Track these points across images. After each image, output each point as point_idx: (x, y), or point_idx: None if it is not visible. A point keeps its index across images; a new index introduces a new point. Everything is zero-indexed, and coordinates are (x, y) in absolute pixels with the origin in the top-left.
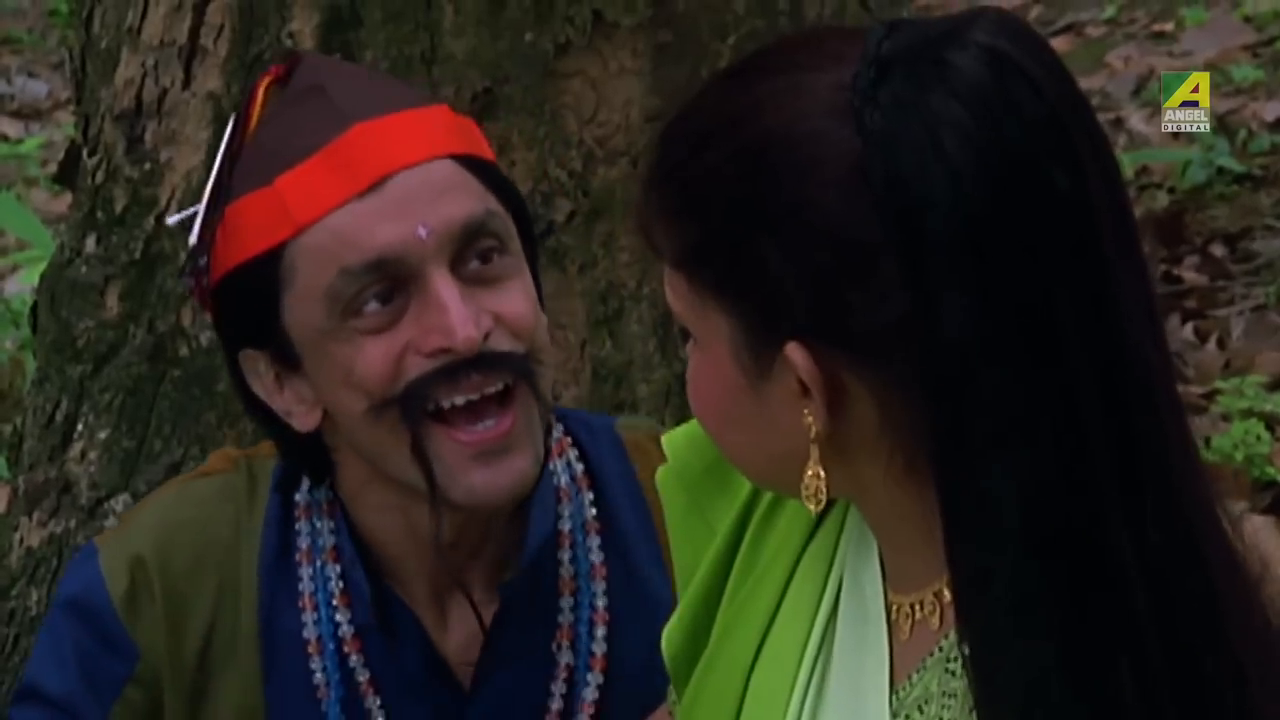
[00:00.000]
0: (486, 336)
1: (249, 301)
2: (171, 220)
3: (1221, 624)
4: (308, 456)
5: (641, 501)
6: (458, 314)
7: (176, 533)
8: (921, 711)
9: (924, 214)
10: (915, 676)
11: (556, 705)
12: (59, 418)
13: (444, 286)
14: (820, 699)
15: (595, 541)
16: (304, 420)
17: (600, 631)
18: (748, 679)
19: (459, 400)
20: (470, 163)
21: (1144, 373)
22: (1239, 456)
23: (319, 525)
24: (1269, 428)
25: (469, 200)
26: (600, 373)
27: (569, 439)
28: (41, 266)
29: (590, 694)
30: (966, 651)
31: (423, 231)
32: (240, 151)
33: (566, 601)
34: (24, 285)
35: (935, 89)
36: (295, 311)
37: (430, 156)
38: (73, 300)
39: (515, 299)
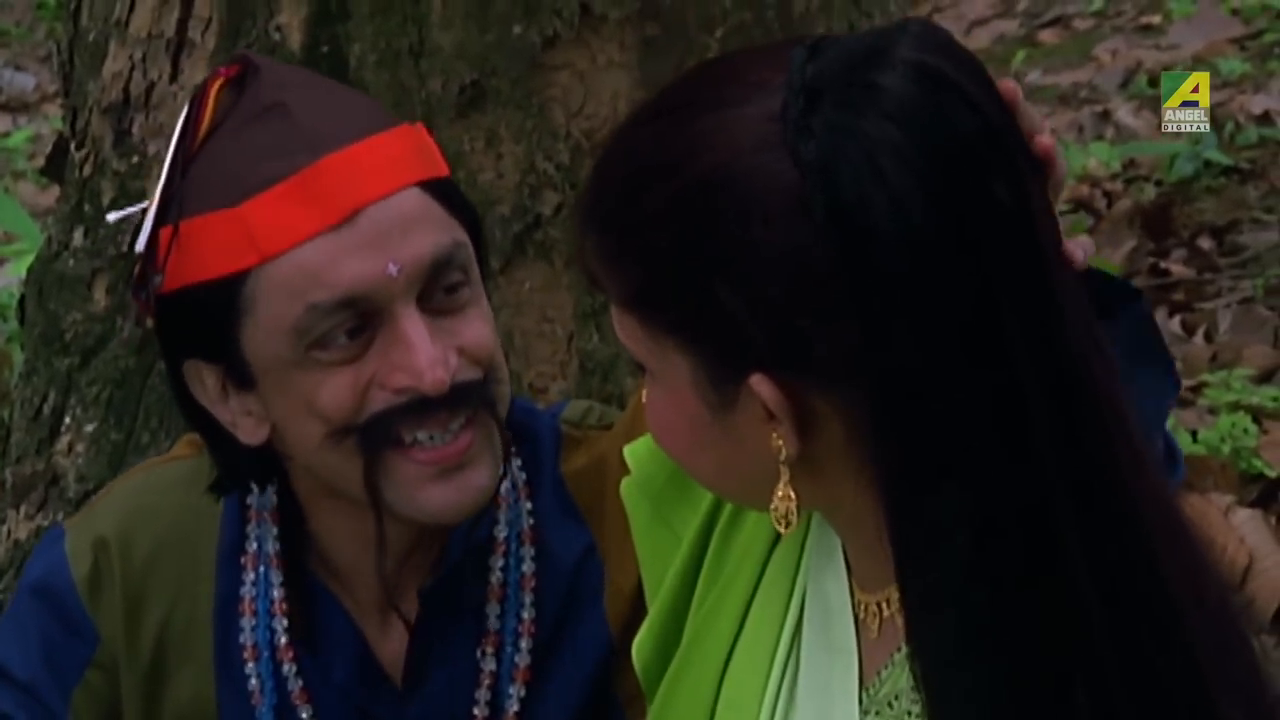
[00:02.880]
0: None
1: (202, 319)
2: (111, 217)
3: (1183, 641)
4: (252, 463)
5: (566, 497)
6: (427, 356)
7: (140, 518)
8: (891, 707)
9: (868, 241)
10: (884, 673)
11: (482, 713)
12: (46, 410)
13: (413, 326)
14: (791, 703)
15: (530, 551)
16: (251, 433)
17: (525, 643)
18: (719, 686)
19: (421, 435)
20: (434, 187)
21: (1090, 386)
22: (1226, 449)
23: (264, 530)
24: (1256, 421)
25: (436, 232)
26: (587, 366)
27: (514, 444)
28: (29, 259)
29: (512, 705)
30: (918, 671)
31: (393, 269)
32: (192, 158)
33: (493, 609)
34: (11, 278)
35: (868, 113)
36: (256, 339)
37: (399, 187)
38: (60, 293)
39: (476, 325)
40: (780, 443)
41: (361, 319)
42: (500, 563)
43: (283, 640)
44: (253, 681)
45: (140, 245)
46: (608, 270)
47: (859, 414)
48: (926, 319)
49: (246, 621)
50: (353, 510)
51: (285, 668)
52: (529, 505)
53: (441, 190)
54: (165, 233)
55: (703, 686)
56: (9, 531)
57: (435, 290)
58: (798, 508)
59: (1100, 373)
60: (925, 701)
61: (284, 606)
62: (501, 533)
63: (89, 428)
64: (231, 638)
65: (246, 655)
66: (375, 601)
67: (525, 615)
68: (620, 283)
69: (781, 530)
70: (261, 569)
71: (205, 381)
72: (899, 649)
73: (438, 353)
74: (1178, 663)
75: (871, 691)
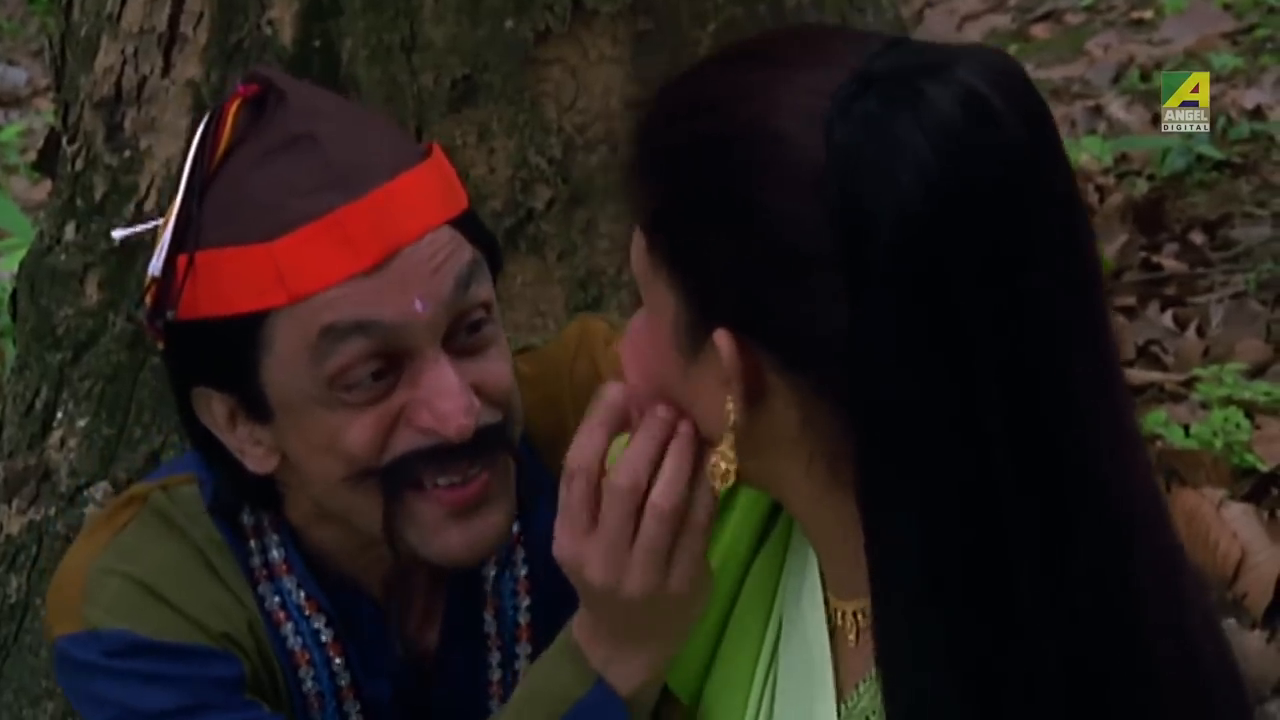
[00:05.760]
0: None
1: (219, 351)
2: (117, 235)
3: (1146, 672)
4: (254, 490)
5: (525, 439)
6: (455, 403)
7: (158, 582)
8: None
9: (869, 236)
10: (863, 686)
11: (496, 676)
12: (39, 405)
13: (443, 370)
14: (772, 716)
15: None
16: (259, 463)
17: (524, 602)
18: (699, 697)
19: (442, 481)
20: (460, 223)
21: (1095, 455)
22: (1218, 444)
23: (267, 542)
24: (1248, 415)
25: (458, 264)
26: None
27: None
28: (21, 254)
29: (522, 665)
30: (880, 674)
31: (420, 306)
32: (210, 180)
33: (490, 570)
34: (3, 273)
35: (904, 117)
36: (277, 373)
37: (428, 229)
38: (52, 288)
39: (496, 365)
40: (730, 408)
41: (387, 361)
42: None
43: (329, 636)
44: (308, 685)
45: (154, 269)
46: (635, 185)
47: (816, 404)
48: (908, 326)
49: (288, 628)
50: (356, 534)
51: (336, 662)
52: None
53: (466, 223)
54: (182, 260)
55: (684, 700)
56: (1, 526)
57: (459, 329)
58: (736, 472)
59: (1108, 448)
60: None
61: (313, 605)
62: None
63: (81, 422)
64: (284, 649)
65: (299, 660)
66: (383, 594)
67: (520, 573)
68: (640, 200)
69: (716, 486)
70: (278, 580)
71: (214, 409)
72: None
73: (465, 400)
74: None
75: (850, 704)
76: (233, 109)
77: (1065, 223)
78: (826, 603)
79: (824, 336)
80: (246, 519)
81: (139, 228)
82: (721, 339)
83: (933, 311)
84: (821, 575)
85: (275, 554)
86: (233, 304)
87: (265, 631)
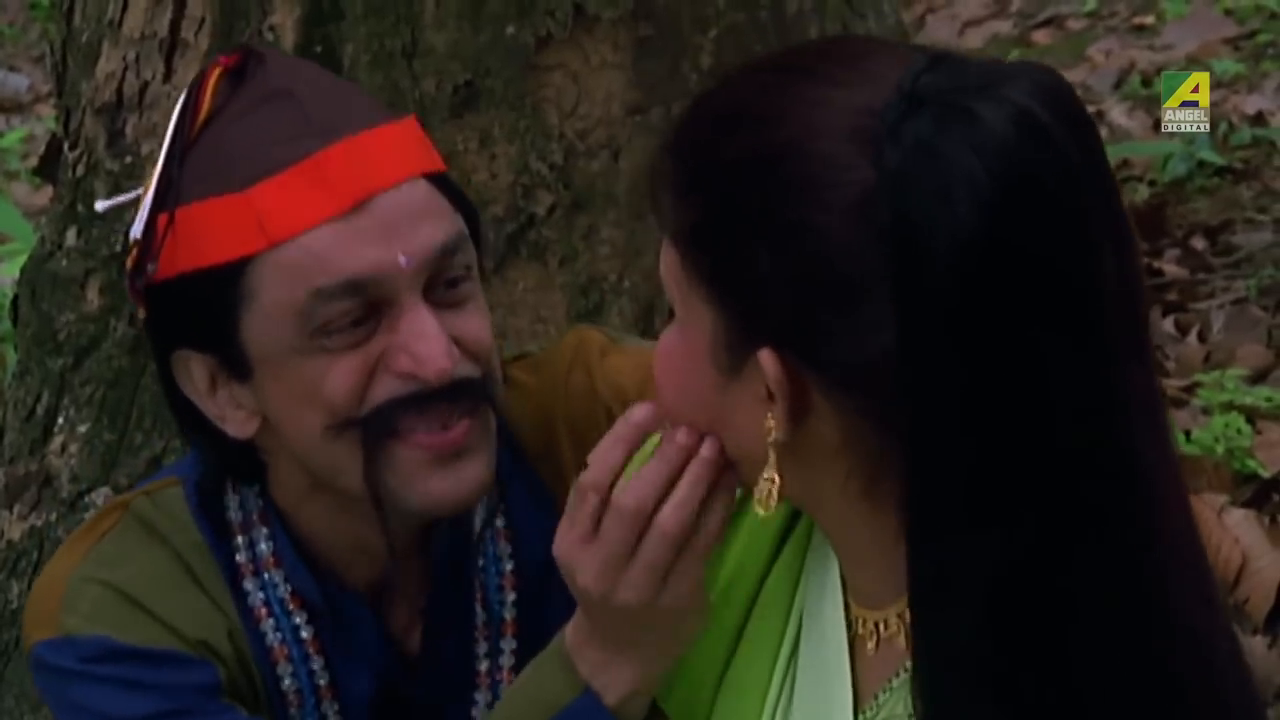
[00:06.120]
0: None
1: (200, 307)
2: (100, 206)
3: None
4: (236, 461)
5: (511, 443)
6: (435, 344)
7: (137, 590)
8: None
9: (923, 259)
10: (882, 697)
11: (484, 667)
12: (40, 411)
13: (421, 315)
14: None
15: (499, 505)
16: (240, 427)
17: (510, 596)
18: (712, 707)
19: (422, 428)
20: (438, 180)
21: (1146, 477)
22: (1220, 449)
23: (255, 535)
24: (1250, 421)
25: (443, 224)
26: None
27: None
28: (22, 260)
29: (507, 660)
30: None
31: (403, 260)
32: (192, 144)
33: (477, 562)
34: (5, 278)
35: (958, 139)
36: (257, 327)
37: (407, 177)
38: (54, 293)
39: (475, 320)
40: (772, 424)
41: (367, 308)
42: (480, 517)
43: (309, 633)
44: (286, 682)
45: (135, 232)
46: (671, 199)
47: (859, 425)
48: (966, 352)
49: (268, 624)
50: (342, 508)
51: (315, 661)
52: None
53: (444, 183)
54: (162, 219)
55: (696, 707)
56: (2, 531)
57: (438, 283)
58: (779, 492)
59: (1159, 464)
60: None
61: (297, 602)
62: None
63: (82, 428)
64: (263, 646)
65: (277, 656)
66: (371, 585)
67: (506, 568)
68: (678, 215)
69: (760, 511)
70: (264, 575)
71: (194, 373)
72: (897, 674)
73: (444, 343)
74: None
75: (868, 714)
76: (214, 77)
77: (1115, 235)
78: (847, 609)
79: (872, 358)
80: (234, 514)
81: (122, 197)
82: (766, 359)
83: (991, 332)
84: (842, 582)
85: (264, 547)
86: (212, 254)
87: (244, 635)
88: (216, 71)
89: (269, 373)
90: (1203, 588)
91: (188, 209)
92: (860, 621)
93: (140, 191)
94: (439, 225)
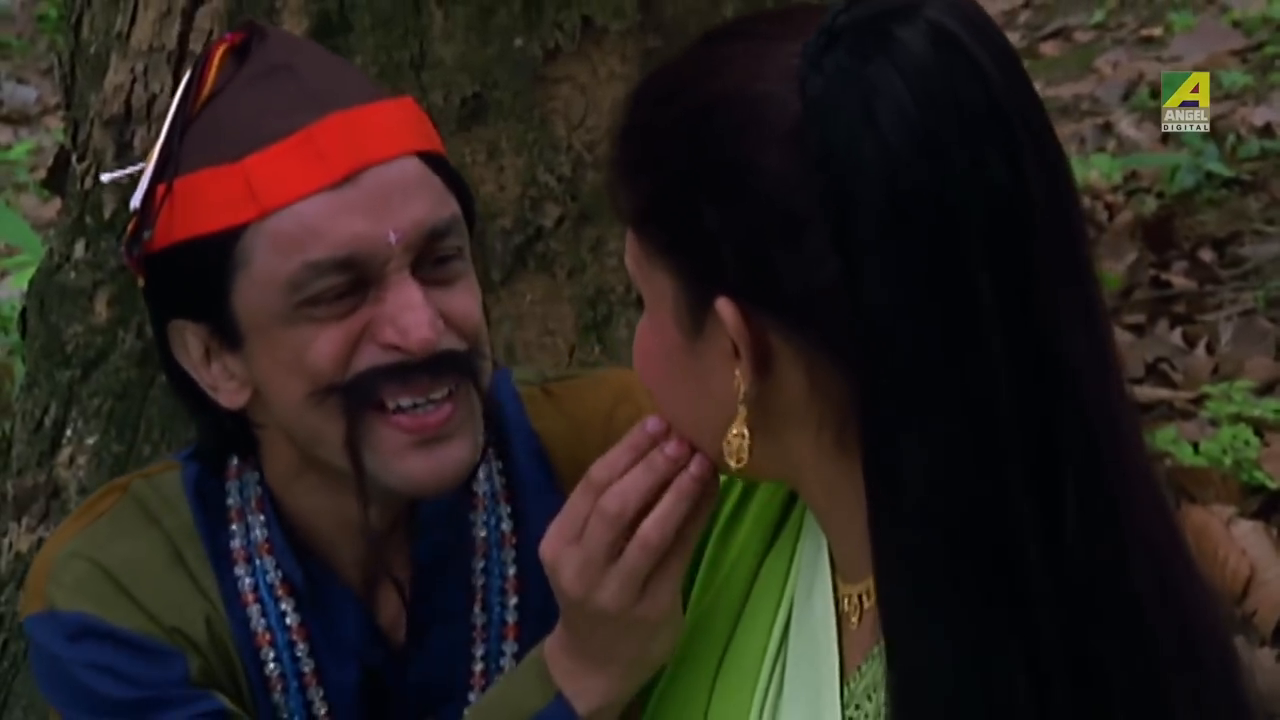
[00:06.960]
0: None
1: (194, 276)
2: (106, 177)
3: (1146, 652)
4: (230, 434)
5: (542, 456)
6: (419, 316)
7: (121, 572)
8: (870, 700)
9: (853, 181)
10: (865, 666)
11: (479, 668)
12: (48, 423)
13: (408, 289)
14: (779, 703)
15: (506, 510)
16: (231, 397)
17: (512, 600)
18: (711, 691)
19: (404, 401)
20: (432, 160)
21: (1072, 376)
22: (1227, 461)
23: (250, 521)
24: (1258, 433)
25: (436, 203)
26: None
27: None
28: (31, 272)
29: (506, 662)
30: (884, 638)
31: (393, 237)
32: (193, 119)
33: (478, 563)
34: (13, 290)
35: (877, 60)
36: (248, 295)
37: (401, 153)
38: (62, 305)
39: (463, 298)
40: (740, 380)
41: (354, 282)
42: (481, 518)
43: (295, 621)
44: (270, 667)
45: (135, 202)
46: (622, 184)
47: (822, 363)
48: (901, 264)
49: (254, 610)
50: (330, 486)
51: (299, 648)
52: (499, 464)
53: (438, 163)
54: (160, 189)
55: (697, 692)
56: (10, 544)
57: (428, 260)
58: (750, 447)
59: (1089, 366)
60: (886, 667)
61: (286, 588)
62: (480, 489)
63: (90, 440)
64: (246, 631)
65: (261, 641)
66: (361, 572)
67: (510, 572)
68: (630, 198)
69: (731, 464)
70: (256, 561)
71: (189, 344)
72: (879, 642)
73: (429, 315)
74: (1134, 665)
75: (852, 685)
76: (219, 54)
77: (1040, 150)
78: (835, 590)
79: (821, 289)
80: (233, 499)
81: (127, 170)
82: (724, 307)
83: (926, 249)
84: (832, 563)
85: (258, 534)
86: (206, 223)
87: (224, 621)
88: (221, 48)
89: (258, 341)
90: (1152, 494)
91: (184, 179)
92: (846, 599)
93: (143, 166)
94: (430, 203)
